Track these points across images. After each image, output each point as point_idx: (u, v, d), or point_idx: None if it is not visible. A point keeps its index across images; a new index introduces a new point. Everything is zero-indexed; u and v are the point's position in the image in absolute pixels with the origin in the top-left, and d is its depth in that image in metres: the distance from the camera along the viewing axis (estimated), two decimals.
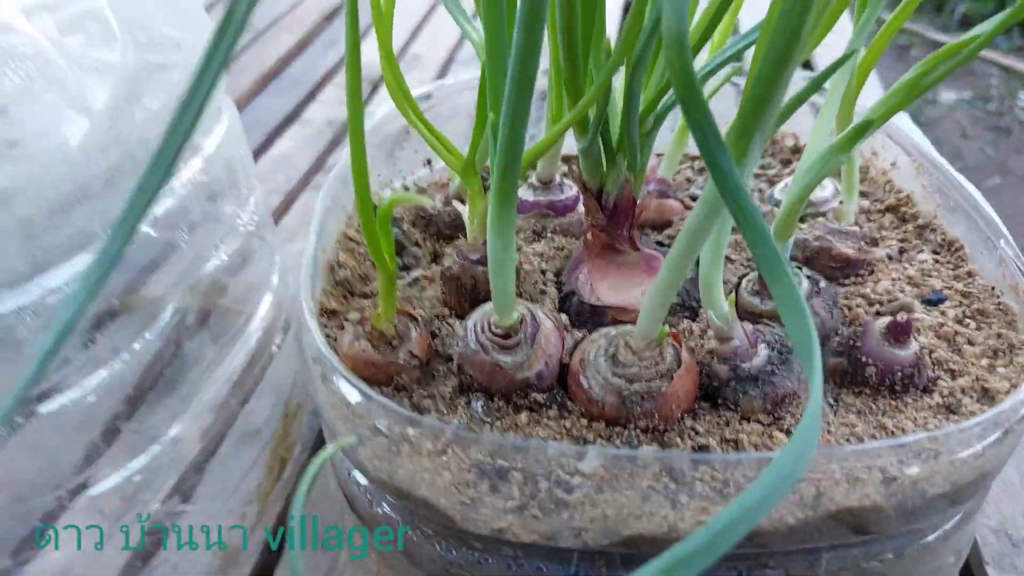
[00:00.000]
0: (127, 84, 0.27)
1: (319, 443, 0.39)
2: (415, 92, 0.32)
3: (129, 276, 0.29)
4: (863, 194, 0.32)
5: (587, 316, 0.27)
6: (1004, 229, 0.25)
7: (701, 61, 0.28)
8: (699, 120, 0.17)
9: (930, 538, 0.21)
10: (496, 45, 0.22)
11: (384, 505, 0.22)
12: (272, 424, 0.38)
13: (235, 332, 0.35)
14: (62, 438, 0.30)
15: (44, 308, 0.26)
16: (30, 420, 0.28)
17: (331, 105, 0.72)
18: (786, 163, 0.36)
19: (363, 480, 0.22)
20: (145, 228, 0.29)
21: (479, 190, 0.27)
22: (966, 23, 1.75)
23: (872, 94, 0.62)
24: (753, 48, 0.22)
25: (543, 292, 0.28)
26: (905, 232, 0.29)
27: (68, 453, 0.30)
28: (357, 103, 0.21)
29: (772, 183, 0.34)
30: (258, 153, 0.65)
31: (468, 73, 0.35)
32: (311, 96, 0.73)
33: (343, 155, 0.29)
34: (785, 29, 0.16)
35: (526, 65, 0.19)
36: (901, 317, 0.22)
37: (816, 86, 0.20)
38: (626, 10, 0.80)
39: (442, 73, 0.76)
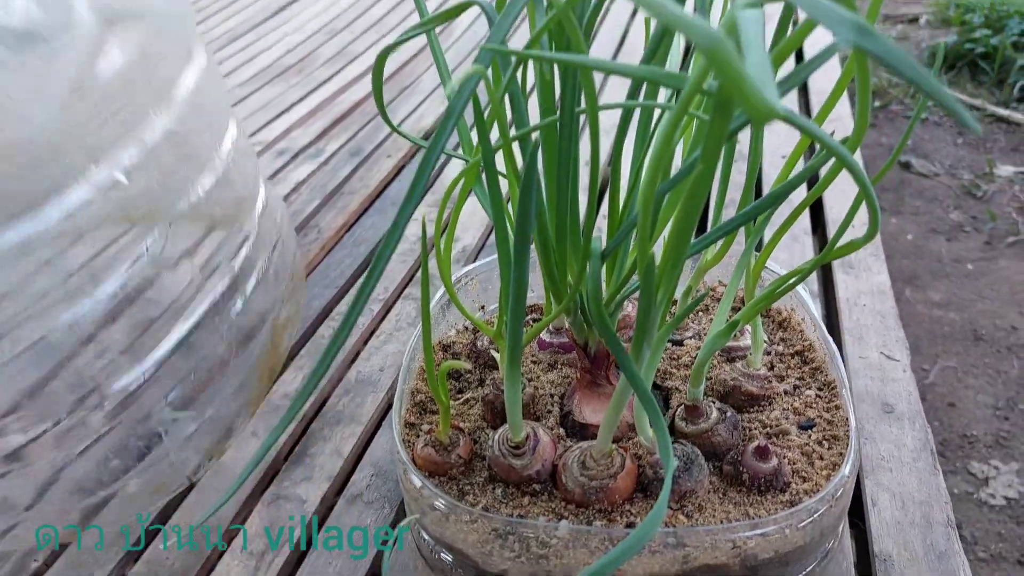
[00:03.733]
0: (93, 42, 0.29)
1: (401, 511, 0.53)
2: (456, 275, 0.47)
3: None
4: (783, 340, 0.44)
5: (577, 429, 0.41)
6: (846, 381, 0.37)
7: None
8: (610, 341, 0.31)
9: None
10: (504, 263, 0.37)
11: (440, 552, 0.37)
12: (266, 336, 0.45)
13: (224, 255, 0.40)
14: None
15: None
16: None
17: (420, 224, 0.89)
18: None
19: (427, 536, 0.37)
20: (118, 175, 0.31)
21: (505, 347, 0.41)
22: None
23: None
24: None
25: (550, 411, 0.42)
26: (803, 372, 0.42)
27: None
28: (426, 313, 0.36)
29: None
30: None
31: None
32: None
33: (419, 329, 0.44)
34: (645, 305, 0.30)
35: (519, 284, 0.34)
36: (762, 443, 0.35)
37: (676, 321, 0.33)
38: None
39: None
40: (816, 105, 1.06)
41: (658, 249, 0.32)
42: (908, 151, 1.75)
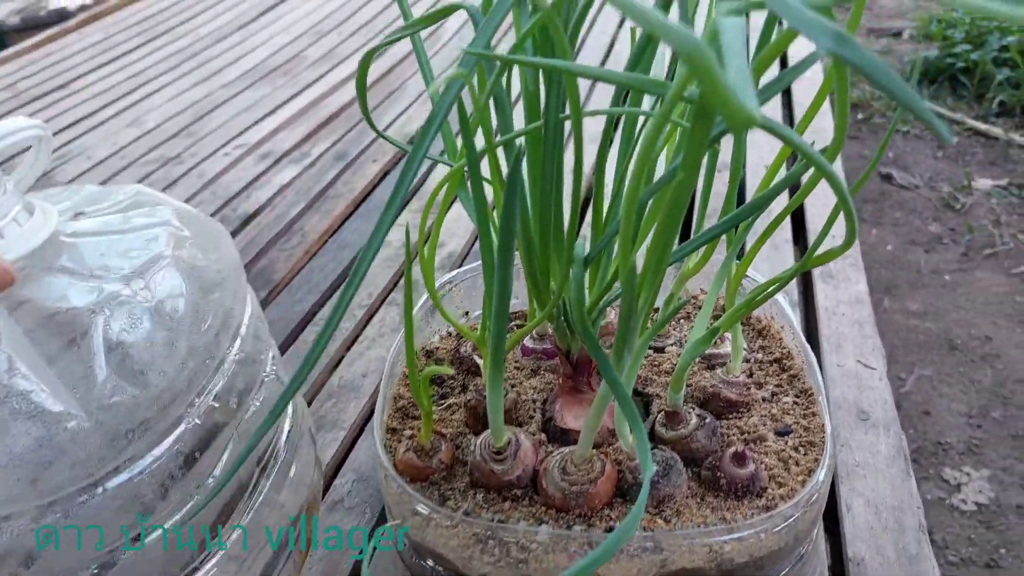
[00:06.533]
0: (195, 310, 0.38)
1: (383, 517, 0.53)
2: (439, 281, 0.48)
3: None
4: (762, 347, 0.45)
5: (559, 434, 0.41)
6: (823, 388, 0.38)
7: None
8: (592, 346, 0.32)
9: None
10: (488, 268, 0.37)
11: (420, 558, 0.37)
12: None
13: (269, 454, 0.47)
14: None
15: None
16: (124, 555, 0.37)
17: (404, 230, 0.89)
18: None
19: (408, 541, 0.37)
20: (211, 402, 0.39)
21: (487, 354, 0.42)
22: (1004, 112, 1.82)
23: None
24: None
25: (532, 416, 0.42)
26: (781, 379, 0.42)
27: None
28: (409, 319, 0.37)
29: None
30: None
31: None
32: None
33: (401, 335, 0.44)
34: (626, 311, 0.31)
35: (503, 289, 0.34)
36: (739, 449, 0.36)
37: (657, 328, 0.34)
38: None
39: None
40: (800, 117, 1.08)
41: (641, 257, 0.32)
42: (889, 163, 1.77)
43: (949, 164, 1.74)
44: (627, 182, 0.34)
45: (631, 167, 0.34)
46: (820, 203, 0.82)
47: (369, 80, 1.32)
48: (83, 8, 2.18)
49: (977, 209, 1.59)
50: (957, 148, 1.79)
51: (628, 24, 1.51)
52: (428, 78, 0.39)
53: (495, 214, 0.40)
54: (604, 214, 0.36)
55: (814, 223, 0.78)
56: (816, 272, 0.70)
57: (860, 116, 1.94)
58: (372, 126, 0.38)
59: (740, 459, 0.36)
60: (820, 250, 0.34)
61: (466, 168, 0.35)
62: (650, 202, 0.33)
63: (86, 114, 1.32)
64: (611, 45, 1.43)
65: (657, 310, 0.49)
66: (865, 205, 1.64)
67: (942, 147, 1.80)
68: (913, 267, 1.48)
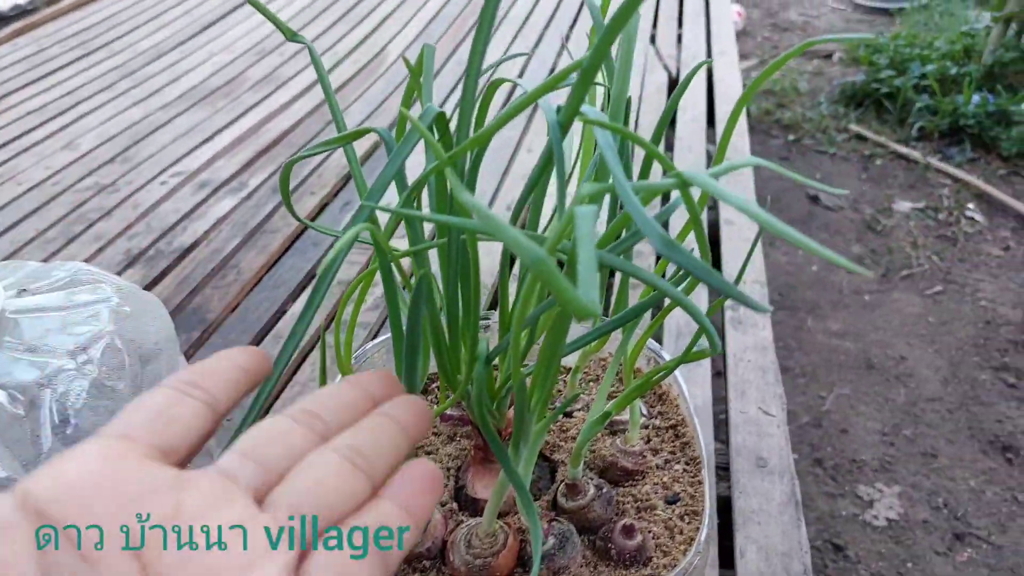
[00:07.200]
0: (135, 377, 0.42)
1: None
2: (366, 346, 0.50)
3: None
4: (660, 413, 0.49)
5: (470, 503, 0.44)
6: (706, 461, 0.42)
7: None
8: (492, 442, 0.35)
9: None
10: (398, 356, 0.40)
11: None
12: None
13: None
14: None
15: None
16: None
17: (344, 266, 0.91)
18: None
19: None
20: None
21: None
22: (923, 137, 1.92)
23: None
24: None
25: (445, 485, 0.45)
26: (675, 446, 0.46)
27: None
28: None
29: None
30: (280, 311, 0.84)
31: None
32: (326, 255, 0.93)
33: None
34: (519, 411, 0.34)
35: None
36: (628, 522, 0.39)
37: (551, 419, 0.37)
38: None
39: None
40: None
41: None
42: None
43: (873, 186, 1.84)
44: (515, 312, 0.38)
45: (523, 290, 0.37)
46: (734, 248, 0.87)
47: (308, 107, 1.33)
48: (16, 8, 2.12)
49: (897, 231, 1.68)
50: (880, 171, 1.88)
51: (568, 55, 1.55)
52: (361, 186, 0.42)
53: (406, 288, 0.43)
54: (510, 308, 0.39)
55: (729, 267, 0.83)
56: (727, 317, 0.75)
57: (791, 137, 2.03)
58: (294, 214, 0.40)
59: (628, 532, 0.39)
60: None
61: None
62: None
63: (17, 134, 1.29)
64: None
65: (568, 371, 0.53)
66: (793, 224, 1.72)
67: (867, 168, 1.89)
68: (836, 287, 1.56)
